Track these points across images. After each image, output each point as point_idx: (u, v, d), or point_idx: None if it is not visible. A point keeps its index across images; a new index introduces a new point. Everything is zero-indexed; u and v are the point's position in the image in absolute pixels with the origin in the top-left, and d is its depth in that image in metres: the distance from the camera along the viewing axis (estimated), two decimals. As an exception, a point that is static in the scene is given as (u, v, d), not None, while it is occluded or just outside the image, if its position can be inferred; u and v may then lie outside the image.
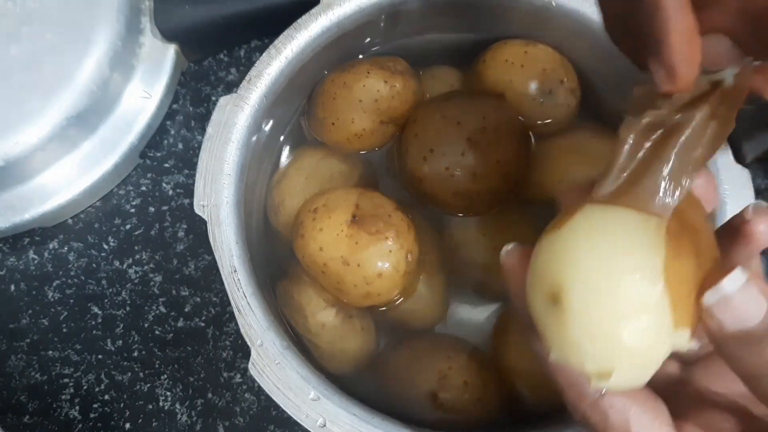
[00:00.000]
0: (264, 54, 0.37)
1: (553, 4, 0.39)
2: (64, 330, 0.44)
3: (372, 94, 0.38)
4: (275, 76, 0.37)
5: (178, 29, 0.47)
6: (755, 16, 0.22)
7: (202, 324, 0.44)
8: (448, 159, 0.36)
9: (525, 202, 0.39)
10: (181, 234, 0.46)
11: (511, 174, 0.37)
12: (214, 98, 0.49)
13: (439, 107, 0.37)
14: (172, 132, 0.48)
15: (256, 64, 0.37)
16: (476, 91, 0.40)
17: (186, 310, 0.44)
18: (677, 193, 0.21)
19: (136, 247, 0.45)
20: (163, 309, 0.44)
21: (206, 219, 0.34)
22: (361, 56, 0.42)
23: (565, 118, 0.40)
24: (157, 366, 0.43)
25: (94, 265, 0.45)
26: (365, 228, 0.34)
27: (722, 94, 0.21)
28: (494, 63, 0.39)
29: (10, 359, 0.43)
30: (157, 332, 0.44)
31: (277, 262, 0.38)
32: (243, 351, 0.43)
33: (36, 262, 0.46)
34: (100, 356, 0.43)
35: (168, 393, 0.42)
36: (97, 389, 0.43)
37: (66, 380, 0.43)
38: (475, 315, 0.39)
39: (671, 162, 0.21)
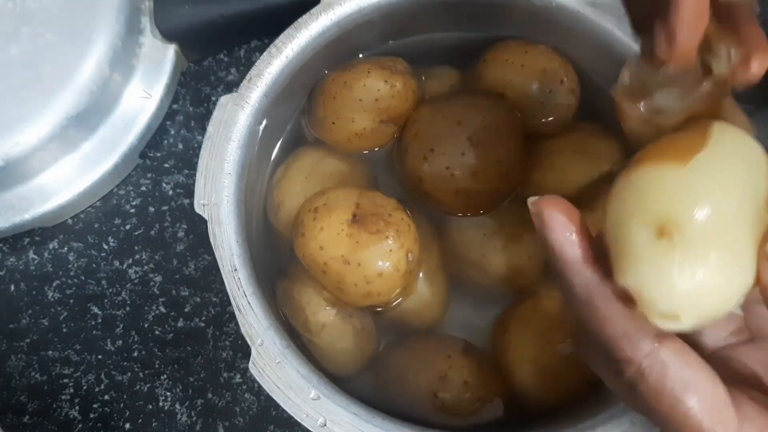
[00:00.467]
0: (264, 53, 0.37)
1: (553, 4, 0.39)
2: (64, 330, 0.44)
3: (372, 94, 0.38)
4: (276, 76, 0.37)
5: (178, 29, 0.47)
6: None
7: (202, 324, 0.44)
8: (448, 159, 0.36)
9: (525, 202, 0.39)
10: (181, 234, 0.46)
11: (511, 174, 0.37)
12: (214, 98, 0.49)
13: (439, 107, 0.37)
14: (172, 132, 0.48)
15: (256, 64, 0.37)
16: (476, 91, 0.40)
17: (186, 310, 0.44)
18: None
19: (136, 247, 0.45)
20: (163, 309, 0.44)
21: (207, 218, 0.34)
22: (361, 56, 0.42)
23: (565, 117, 0.40)
24: (157, 366, 0.43)
25: (94, 265, 0.45)
26: (366, 227, 0.34)
27: (713, 80, 0.22)
28: (494, 63, 0.40)
29: (10, 359, 0.43)
30: (157, 332, 0.44)
31: (277, 261, 0.38)
32: (243, 351, 0.43)
33: (36, 262, 0.46)
34: (100, 356, 0.43)
35: (168, 393, 0.42)
36: (97, 389, 0.43)
37: (66, 380, 0.43)
38: (475, 315, 0.39)
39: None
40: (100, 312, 0.44)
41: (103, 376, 0.43)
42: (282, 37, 0.38)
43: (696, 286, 0.20)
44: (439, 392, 0.34)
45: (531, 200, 0.24)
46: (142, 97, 0.47)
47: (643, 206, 0.21)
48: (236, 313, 0.32)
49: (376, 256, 0.33)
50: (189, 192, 0.47)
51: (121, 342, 0.44)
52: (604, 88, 0.41)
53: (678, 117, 0.24)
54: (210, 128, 0.36)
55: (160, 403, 0.42)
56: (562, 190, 0.38)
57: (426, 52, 0.43)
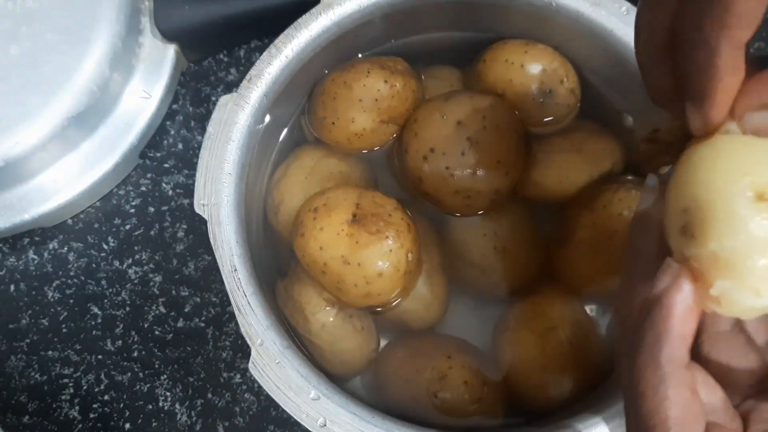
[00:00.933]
0: (264, 53, 0.37)
1: (553, 4, 0.39)
2: (64, 330, 0.44)
3: (372, 94, 0.38)
4: (276, 76, 0.37)
5: (178, 29, 0.47)
6: None
7: (202, 324, 0.44)
8: (448, 158, 0.36)
9: (525, 202, 0.39)
10: (180, 234, 0.46)
11: (511, 174, 0.37)
12: (214, 98, 0.49)
13: (439, 107, 0.37)
14: (172, 132, 0.48)
15: (256, 64, 0.37)
16: (476, 91, 0.40)
17: (186, 310, 0.44)
18: None
19: (135, 248, 0.45)
20: (162, 309, 0.44)
21: (206, 218, 0.34)
22: (361, 55, 0.42)
23: (565, 117, 0.40)
24: (156, 366, 0.43)
25: (94, 265, 0.45)
26: (366, 227, 0.34)
27: None
28: (494, 63, 0.39)
29: (10, 359, 0.43)
30: (156, 332, 0.44)
31: (277, 261, 0.38)
32: (243, 351, 0.43)
33: (36, 262, 0.46)
34: (99, 356, 0.43)
35: (168, 393, 0.42)
36: (96, 389, 0.43)
37: (66, 380, 0.43)
38: (475, 315, 0.39)
39: None
40: (100, 312, 0.44)
41: (103, 376, 0.43)
42: (282, 37, 0.38)
43: None
44: (439, 392, 0.34)
45: (673, 263, 0.22)
46: (142, 97, 0.47)
47: (741, 170, 0.21)
48: (236, 313, 0.32)
49: (376, 256, 0.33)
50: (189, 192, 0.47)
51: (121, 342, 0.44)
52: (604, 89, 0.41)
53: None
54: (210, 128, 0.36)
55: (160, 403, 0.42)
56: (562, 190, 0.38)
57: (426, 52, 0.43)
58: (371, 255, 0.33)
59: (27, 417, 0.42)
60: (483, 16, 0.41)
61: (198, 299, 0.44)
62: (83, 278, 0.45)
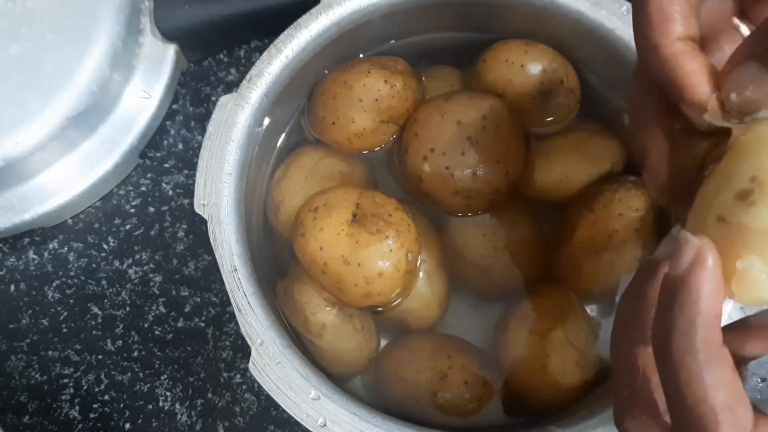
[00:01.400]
0: (264, 53, 0.37)
1: (554, 3, 0.39)
2: (64, 330, 0.44)
3: (372, 94, 0.38)
4: (276, 76, 0.37)
5: (178, 29, 0.47)
6: None
7: (202, 324, 0.44)
8: (448, 159, 0.36)
9: (525, 202, 0.39)
10: (181, 234, 0.46)
11: (511, 174, 0.37)
12: (214, 98, 0.49)
13: (439, 107, 0.37)
14: (172, 132, 0.48)
15: (256, 64, 0.37)
16: (476, 91, 0.40)
17: (186, 310, 0.44)
18: None
19: (136, 247, 0.45)
20: (163, 309, 0.44)
21: (207, 218, 0.34)
22: (361, 56, 0.42)
23: (565, 117, 0.40)
24: (157, 366, 0.43)
25: (94, 265, 0.45)
26: (366, 227, 0.34)
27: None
28: (494, 63, 0.39)
29: (10, 359, 0.43)
30: (157, 332, 0.44)
31: (277, 261, 0.38)
32: (243, 351, 0.43)
33: (36, 262, 0.46)
34: (100, 356, 0.43)
35: (168, 393, 0.42)
36: (97, 389, 0.43)
37: (66, 380, 0.43)
38: (475, 315, 0.39)
39: None
40: (100, 312, 0.44)
41: (103, 376, 0.43)
42: (282, 37, 0.38)
43: None
44: (439, 392, 0.34)
45: (692, 237, 0.21)
46: (142, 97, 0.47)
47: None
48: (236, 313, 0.32)
49: (376, 256, 0.33)
50: (189, 192, 0.47)
51: (121, 342, 0.44)
52: (604, 89, 0.41)
53: None
54: (210, 128, 0.36)
55: (160, 403, 0.42)
56: (562, 190, 0.38)
57: (426, 52, 0.43)
58: (371, 255, 0.33)
59: (27, 417, 0.42)
60: (483, 16, 0.41)
61: (198, 299, 0.44)
62: (83, 278, 0.45)
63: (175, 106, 0.49)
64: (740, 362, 0.22)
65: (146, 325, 0.44)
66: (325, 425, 0.30)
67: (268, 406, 0.42)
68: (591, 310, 0.38)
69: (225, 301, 0.44)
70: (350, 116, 0.38)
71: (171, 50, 0.47)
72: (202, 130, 0.47)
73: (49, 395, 0.43)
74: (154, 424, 0.42)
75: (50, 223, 0.46)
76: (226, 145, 0.36)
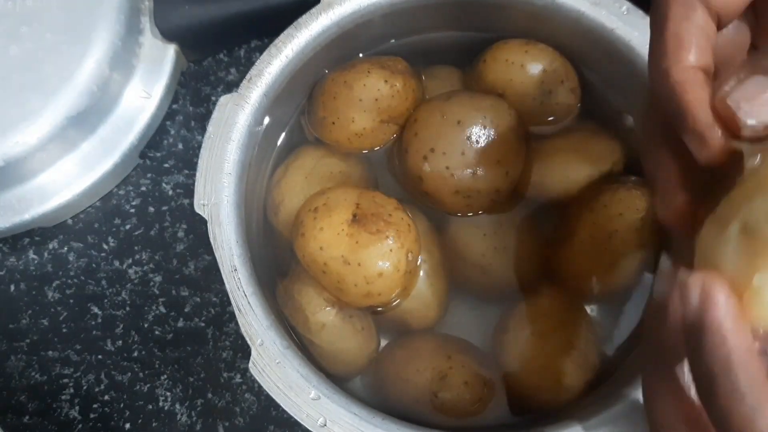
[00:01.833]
0: (264, 53, 0.37)
1: (554, 3, 0.39)
2: (64, 330, 0.44)
3: (372, 94, 0.38)
4: (276, 75, 0.37)
5: (178, 29, 0.47)
6: None
7: (202, 324, 0.44)
8: (448, 158, 0.36)
9: (525, 202, 0.39)
10: (181, 234, 0.46)
11: (511, 174, 0.37)
12: (214, 98, 0.49)
13: (439, 107, 0.37)
14: (172, 132, 0.48)
15: (256, 63, 0.37)
16: (476, 91, 0.40)
17: (186, 310, 0.44)
18: None
19: (136, 247, 0.45)
20: (163, 309, 0.44)
21: (206, 218, 0.34)
22: (361, 55, 0.42)
23: (565, 118, 0.40)
24: (157, 366, 0.43)
25: (94, 265, 0.45)
26: (366, 227, 0.34)
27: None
28: (494, 63, 0.39)
29: (10, 359, 0.43)
30: (157, 332, 0.44)
31: (277, 261, 0.38)
32: (243, 351, 0.43)
33: (36, 262, 0.46)
34: (100, 356, 0.43)
35: (168, 393, 0.42)
36: (97, 389, 0.43)
37: (66, 380, 0.43)
38: (475, 315, 0.39)
39: None
40: (100, 312, 0.44)
41: (103, 376, 0.43)
42: (282, 37, 0.38)
43: None
44: (439, 392, 0.34)
45: (689, 277, 0.20)
46: (142, 97, 0.47)
47: None
48: (236, 313, 0.32)
49: (376, 256, 0.33)
50: (189, 192, 0.47)
51: (121, 342, 0.44)
52: (604, 89, 0.41)
53: None
54: (210, 128, 0.36)
55: (160, 403, 0.42)
56: (562, 190, 0.38)
57: (426, 52, 0.43)
58: (371, 255, 0.33)
59: (27, 417, 0.42)
60: (483, 15, 0.41)
61: (198, 299, 0.44)
62: (83, 278, 0.45)
63: (175, 106, 0.49)
64: None
65: (146, 325, 0.44)
66: (325, 425, 0.30)
67: (268, 406, 0.42)
68: (591, 310, 0.38)
69: (225, 301, 0.44)
70: (350, 116, 0.38)
71: (171, 50, 0.47)
72: (202, 129, 0.47)
73: (49, 395, 0.43)
74: (154, 424, 0.42)
75: (50, 223, 0.46)
76: (226, 145, 0.36)
